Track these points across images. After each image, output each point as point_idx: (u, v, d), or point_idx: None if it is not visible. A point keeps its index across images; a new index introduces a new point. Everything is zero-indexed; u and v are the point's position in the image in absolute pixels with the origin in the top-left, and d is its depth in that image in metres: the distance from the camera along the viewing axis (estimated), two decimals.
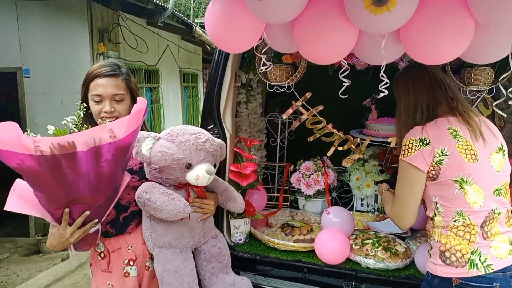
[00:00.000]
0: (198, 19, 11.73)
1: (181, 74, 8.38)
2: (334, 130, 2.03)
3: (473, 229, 1.37)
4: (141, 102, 1.34)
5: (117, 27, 5.21)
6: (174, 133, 1.50)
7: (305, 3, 1.21)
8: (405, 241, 2.07)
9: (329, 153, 2.06)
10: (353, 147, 2.06)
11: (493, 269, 1.33)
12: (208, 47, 8.53)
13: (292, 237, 2.16)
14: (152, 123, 6.72)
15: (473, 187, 1.37)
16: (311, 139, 2.03)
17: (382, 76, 1.37)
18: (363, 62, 2.19)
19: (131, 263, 1.59)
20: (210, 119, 2.13)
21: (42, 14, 4.60)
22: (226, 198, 1.79)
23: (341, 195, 2.63)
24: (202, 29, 7.08)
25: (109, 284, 1.58)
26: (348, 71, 1.54)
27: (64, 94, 4.63)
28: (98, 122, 1.52)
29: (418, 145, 1.41)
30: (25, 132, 1.16)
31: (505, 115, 1.88)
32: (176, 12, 6.10)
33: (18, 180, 1.32)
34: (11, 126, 1.10)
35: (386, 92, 1.39)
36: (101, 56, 4.75)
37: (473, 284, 1.34)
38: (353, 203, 2.55)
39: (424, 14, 1.14)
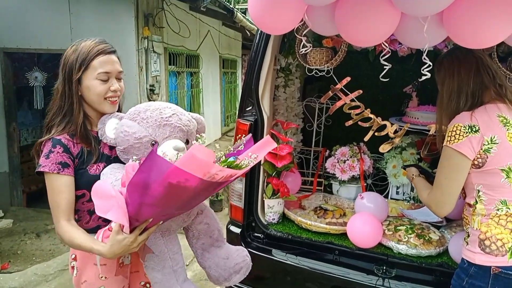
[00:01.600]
0: (239, 5, 11.74)
1: (220, 60, 8.48)
2: (372, 115, 2.03)
3: None
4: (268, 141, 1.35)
5: (161, 12, 5.34)
6: (137, 110, 1.37)
7: None
8: (439, 229, 2.05)
9: (366, 138, 2.06)
10: (391, 133, 2.05)
11: None
12: (248, 33, 8.56)
13: (324, 220, 2.19)
14: (191, 107, 6.88)
15: None
16: (349, 123, 2.04)
17: (424, 58, 1.36)
18: (405, 48, 2.16)
19: None
20: (248, 100, 2.18)
21: None
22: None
23: (376, 182, 2.63)
24: (243, 14, 7.11)
25: (101, 277, 1.45)
26: (390, 54, 1.53)
27: None
28: (99, 104, 1.41)
29: (467, 132, 1.37)
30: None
31: None
32: None
33: (98, 187, 1.22)
34: (208, 152, 1.08)
35: (429, 75, 1.38)
36: (146, 39, 4.90)
37: None
38: (389, 190, 2.54)
39: None
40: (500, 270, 1.34)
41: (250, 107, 2.19)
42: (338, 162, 2.55)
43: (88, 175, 1.37)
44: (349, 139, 2.61)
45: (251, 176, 2.17)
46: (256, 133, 2.16)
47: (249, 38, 8.99)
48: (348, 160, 2.52)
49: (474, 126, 1.37)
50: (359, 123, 2.04)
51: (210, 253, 1.57)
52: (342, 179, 2.50)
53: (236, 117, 2.28)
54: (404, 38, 1.42)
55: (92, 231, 1.37)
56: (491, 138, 1.36)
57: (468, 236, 1.47)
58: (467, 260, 1.44)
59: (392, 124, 2.06)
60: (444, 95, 1.53)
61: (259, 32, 2.14)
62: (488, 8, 1.13)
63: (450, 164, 1.42)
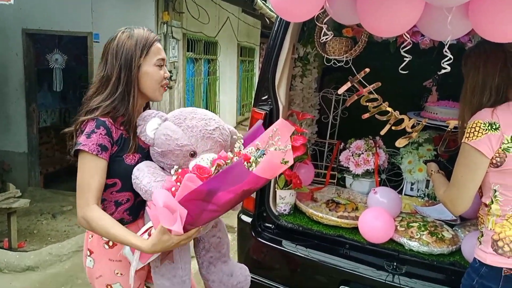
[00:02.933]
0: None
1: (238, 48, 8.44)
2: (390, 109, 1.99)
3: None
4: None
5: None
6: (183, 116, 1.36)
7: None
8: (453, 228, 2.01)
9: (383, 132, 2.02)
10: (409, 128, 2.00)
11: None
12: (267, 21, 8.48)
13: (336, 213, 2.17)
14: (207, 94, 6.89)
15: None
16: (366, 116, 2.00)
17: (445, 51, 1.31)
18: (427, 41, 2.10)
19: None
20: (264, 89, 2.16)
21: None
22: None
23: (391, 178, 2.59)
24: (263, 1, 7.04)
25: (117, 273, 1.45)
26: (411, 46, 1.49)
27: None
28: (154, 91, 1.42)
29: (486, 129, 1.33)
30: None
31: None
32: None
33: (161, 198, 1.18)
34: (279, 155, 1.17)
35: (449, 68, 1.33)
36: (165, 25, 4.90)
37: None
38: (403, 186, 2.50)
39: None
40: (511, 272, 1.32)
41: (266, 96, 2.17)
42: (352, 155, 2.52)
43: (124, 164, 1.36)
44: (364, 132, 2.57)
45: None
46: (271, 122, 2.14)
47: (269, 26, 8.90)
48: (363, 154, 2.48)
49: (494, 123, 1.33)
50: (376, 116, 2.00)
51: (216, 267, 1.57)
52: (356, 173, 2.47)
53: (252, 106, 2.26)
54: (427, 29, 1.38)
55: None
56: (511, 137, 1.32)
57: (482, 235, 1.44)
58: (478, 260, 1.41)
59: (410, 118, 2.02)
60: (468, 89, 1.48)
61: (278, 19, 2.11)
62: None
63: (467, 161, 1.39)
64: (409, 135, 2.03)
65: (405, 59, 1.39)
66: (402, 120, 2.00)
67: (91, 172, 1.31)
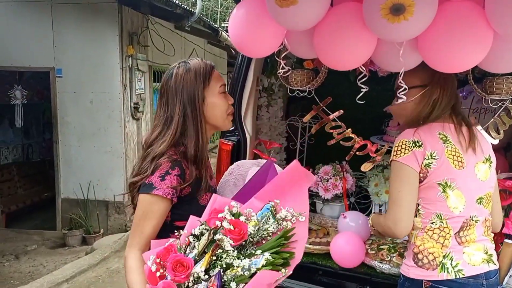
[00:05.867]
0: (225, 23, 11.87)
1: None
2: (353, 135, 2.06)
3: (448, 233, 1.39)
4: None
5: (146, 30, 5.37)
6: None
7: (325, 11, 1.25)
8: None
9: (348, 157, 2.08)
10: (372, 152, 2.07)
11: (464, 275, 1.35)
12: (233, 51, 8.64)
13: (308, 240, 2.18)
14: None
15: (455, 192, 1.38)
16: (331, 143, 2.06)
17: (400, 82, 1.39)
18: (385, 69, 2.21)
19: None
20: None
21: (76, 16, 4.80)
22: None
23: (360, 201, 2.64)
24: (227, 33, 7.19)
25: None
26: (367, 77, 1.56)
27: (94, 94, 4.80)
28: (223, 120, 1.37)
29: (411, 146, 1.41)
30: None
31: None
32: (203, 17, 6.23)
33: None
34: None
35: (405, 98, 1.41)
36: (130, 58, 4.90)
37: (442, 287, 1.35)
38: (371, 209, 2.55)
39: (441, 23, 1.16)
40: (430, 284, 1.37)
41: (233, 127, 2.20)
42: (321, 180, 2.56)
43: (198, 205, 1.28)
44: (332, 157, 2.63)
45: None
46: (239, 152, 2.16)
47: (234, 56, 9.05)
48: (331, 178, 2.53)
49: (418, 141, 1.41)
50: (341, 142, 2.06)
51: None
52: (326, 198, 2.50)
53: (219, 137, 2.28)
54: (381, 62, 1.46)
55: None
56: (431, 153, 1.40)
57: (406, 250, 1.50)
58: (403, 275, 1.47)
59: (373, 143, 2.09)
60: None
61: (241, 54, 2.17)
62: (460, 34, 1.17)
63: (400, 177, 1.42)
64: (373, 159, 2.10)
65: (361, 89, 1.45)
66: (365, 145, 2.07)
67: (149, 216, 1.22)
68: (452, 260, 1.37)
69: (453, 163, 1.39)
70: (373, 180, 2.50)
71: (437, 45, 1.20)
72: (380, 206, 2.53)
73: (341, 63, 1.36)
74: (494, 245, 1.46)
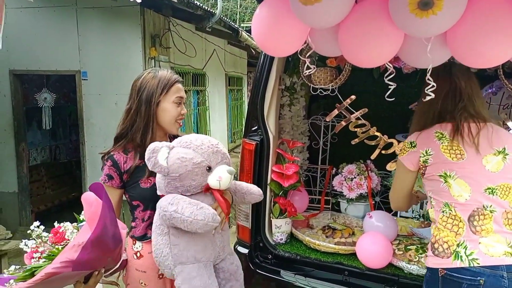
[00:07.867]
0: (244, 23, 11.90)
1: (226, 78, 8.55)
2: (378, 134, 2.02)
3: (460, 221, 1.43)
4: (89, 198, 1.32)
5: (168, 32, 5.43)
6: (188, 139, 1.46)
7: (350, 8, 1.23)
8: None
9: (373, 156, 2.05)
10: (398, 151, 2.03)
11: (478, 264, 1.35)
12: (253, 51, 8.66)
13: (333, 239, 2.16)
14: (198, 124, 6.92)
15: (457, 181, 1.45)
16: (355, 141, 2.03)
17: (428, 79, 1.35)
18: (410, 65, 2.16)
19: None
20: (254, 120, 2.19)
21: (100, 20, 4.89)
22: (241, 194, 1.65)
23: (385, 200, 2.59)
24: (247, 33, 7.20)
25: (141, 283, 1.58)
26: (394, 74, 1.53)
27: (118, 95, 4.88)
28: (170, 125, 1.60)
29: (409, 147, 1.59)
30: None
31: None
32: (223, 17, 6.25)
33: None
34: None
35: (433, 95, 1.38)
36: (153, 60, 4.96)
37: (456, 275, 1.37)
38: None
39: (472, 17, 1.13)
40: (445, 272, 1.40)
41: (256, 127, 2.19)
42: (345, 180, 2.53)
43: (140, 188, 1.55)
44: (356, 156, 2.60)
45: None
46: (262, 152, 2.16)
47: (255, 56, 9.08)
48: (355, 178, 2.50)
49: (413, 142, 1.58)
50: (365, 141, 2.03)
51: None
52: (350, 197, 2.48)
53: (242, 137, 2.28)
54: (408, 59, 1.43)
55: (139, 238, 1.58)
56: (426, 151, 1.53)
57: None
58: (426, 266, 1.53)
59: (398, 141, 2.05)
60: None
61: (263, 53, 2.16)
62: (491, 28, 1.13)
63: (397, 171, 1.69)
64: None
65: (389, 87, 1.42)
66: (391, 144, 2.04)
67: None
68: (466, 249, 1.39)
69: (450, 156, 1.48)
70: None
71: (467, 40, 1.17)
72: None
73: (367, 61, 1.33)
74: None
